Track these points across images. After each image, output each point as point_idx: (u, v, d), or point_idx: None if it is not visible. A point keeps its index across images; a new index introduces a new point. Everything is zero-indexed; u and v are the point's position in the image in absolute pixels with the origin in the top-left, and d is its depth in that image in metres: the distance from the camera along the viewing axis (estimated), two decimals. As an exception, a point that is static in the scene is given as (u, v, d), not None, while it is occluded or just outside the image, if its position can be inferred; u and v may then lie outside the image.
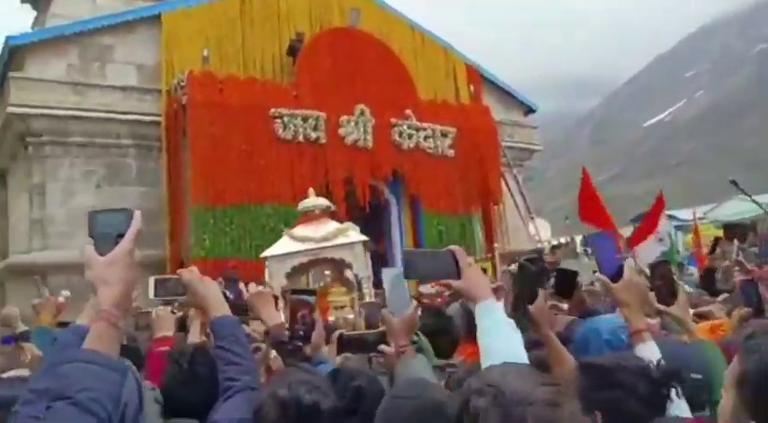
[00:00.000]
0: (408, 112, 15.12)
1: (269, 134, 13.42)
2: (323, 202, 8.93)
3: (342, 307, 7.57)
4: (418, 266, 1.75)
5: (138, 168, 13.54)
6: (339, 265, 8.49)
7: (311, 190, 9.91)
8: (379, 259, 15.81)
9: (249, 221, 13.15)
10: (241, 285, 2.44)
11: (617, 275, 1.87)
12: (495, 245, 14.83)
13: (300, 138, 13.68)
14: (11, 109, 12.43)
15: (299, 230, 8.63)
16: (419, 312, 2.69)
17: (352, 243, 8.11)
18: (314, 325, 2.53)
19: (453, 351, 2.90)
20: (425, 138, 15.27)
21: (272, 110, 13.44)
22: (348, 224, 8.73)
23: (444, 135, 15.63)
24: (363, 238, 8.29)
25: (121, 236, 1.38)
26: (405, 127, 14.99)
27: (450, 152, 15.68)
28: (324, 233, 8.40)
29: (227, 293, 8.85)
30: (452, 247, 1.86)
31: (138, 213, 1.44)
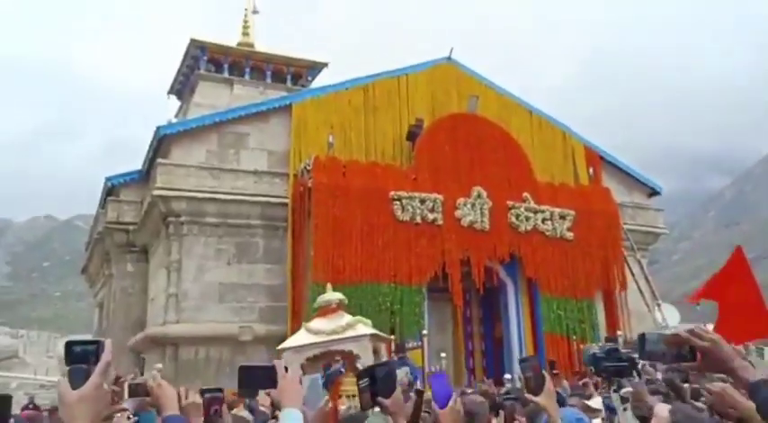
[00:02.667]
0: (526, 194, 15.10)
1: (388, 216, 13.82)
2: (338, 296, 9.60)
3: (353, 395, 8.09)
4: (251, 378, 1.98)
5: (264, 247, 14.29)
6: (351, 357, 8.94)
7: (329, 285, 10.61)
8: (496, 342, 15.56)
9: (366, 300, 13.37)
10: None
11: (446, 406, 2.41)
12: (619, 332, 14.16)
13: (418, 219, 13.97)
14: (156, 192, 13.64)
15: (315, 323, 9.13)
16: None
17: (359, 336, 8.52)
18: (223, 417, 3.03)
19: None
20: (543, 220, 15.12)
21: (392, 192, 13.89)
22: (358, 318, 9.24)
23: (563, 217, 15.40)
24: (370, 331, 8.80)
25: (95, 362, 1.46)
26: (522, 209, 14.94)
27: (569, 235, 15.38)
28: (334, 326, 8.79)
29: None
30: (276, 361, 2.16)
31: (108, 343, 1.52)
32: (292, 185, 14.27)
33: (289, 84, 22.72)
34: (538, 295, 14.96)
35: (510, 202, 14.84)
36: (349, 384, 8.25)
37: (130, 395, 3.01)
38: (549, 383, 2.40)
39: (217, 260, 13.92)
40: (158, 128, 14.47)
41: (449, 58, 16.63)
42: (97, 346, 1.49)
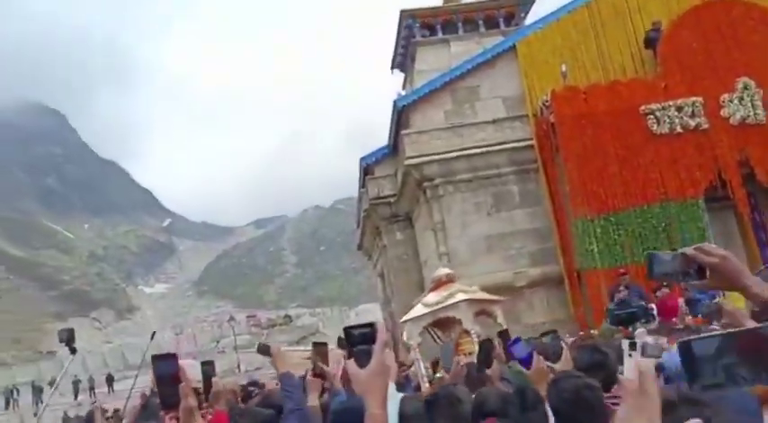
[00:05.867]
0: (804, 71, 13.04)
1: (643, 132, 12.95)
2: (446, 271, 11.13)
3: (470, 353, 8.74)
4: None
5: (520, 192, 14.30)
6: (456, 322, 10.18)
7: (442, 263, 12.50)
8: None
9: (638, 225, 12.77)
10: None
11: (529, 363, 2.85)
12: None
13: (678, 129, 12.89)
14: (408, 161, 14.36)
15: (428, 297, 10.61)
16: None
17: (456, 303, 9.91)
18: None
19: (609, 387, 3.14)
20: (834, 95, 12.93)
21: (643, 107, 12.97)
22: (460, 287, 10.39)
23: None
24: (467, 297, 9.94)
25: (372, 341, 1.64)
26: (803, 89, 12.94)
27: None
28: (438, 298, 10.26)
29: (627, 299, 8.87)
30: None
31: (381, 323, 1.70)
32: (534, 125, 14.03)
33: (502, 27, 22.20)
34: None
35: (786, 85, 12.94)
36: (465, 344, 9.30)
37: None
38: (566, 355, 3.07)
39: (477, 213, 14.28)
40: (395, 101, 15.19)
41: (675, -55, 14.87)
42: (372, 328, 1.67)
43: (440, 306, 10.27)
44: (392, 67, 26.31)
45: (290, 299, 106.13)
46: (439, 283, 10.92)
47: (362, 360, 1.63)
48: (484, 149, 14.20)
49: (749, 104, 12.91)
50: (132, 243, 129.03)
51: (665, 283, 11.19)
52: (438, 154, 14.22)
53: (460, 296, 10.29)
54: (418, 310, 11.04)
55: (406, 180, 15.23)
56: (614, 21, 14.37)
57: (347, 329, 1.71)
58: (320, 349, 3.86)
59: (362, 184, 18.09)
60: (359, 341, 1.67)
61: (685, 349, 1.11)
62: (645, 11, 14.25)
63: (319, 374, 3.79)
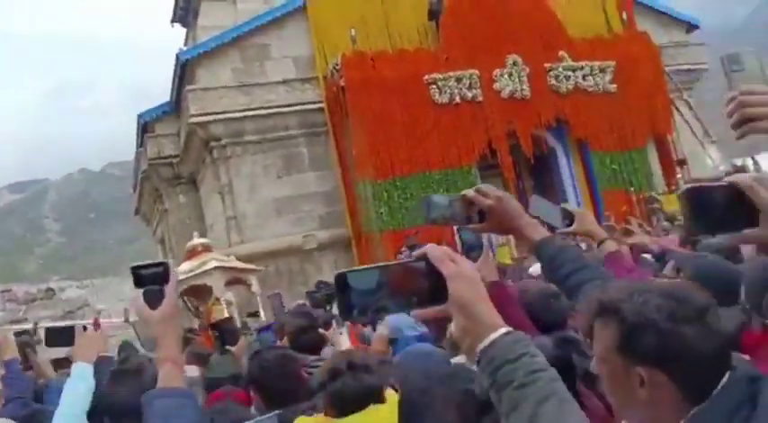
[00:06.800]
0: (562, 53, 14.54)
1: (426, 101, 13.53)
2: (202, 240, 11.54)
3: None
4: (53, 338, 2.23)
5: (309, 155, 14.25)
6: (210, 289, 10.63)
7: (196, 233, 12.36)
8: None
9: (421, 190, 13.39)
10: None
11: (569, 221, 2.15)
12: (678, 176, 13.98)
13: (457, 99, 13.67)
14: (192, 119, 13.53)
15: (182, 266, 10.84)
16: None
17: (206, 271, 10.28)
18: None
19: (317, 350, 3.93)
20: (584, 77, 14.63)
21: (426, 76, 13.53)
22: (211, 255, 10.82)
23: (603, 70, 14.86)
24: (217, 264, 10.44)
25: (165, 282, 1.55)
26: (560, 69, 14.45)
27: (612, 87, 14.89)
28: (191, 266, 10.56)
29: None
30: (76, 323, 2.50)
31: (172, 263, 1.62)
32: (324, 88, 14.00)
33: (292, -14, 21.79)
34: (589, 154, 14.75)
35: (547, 65, 14.33)
36: (217, 312, 9.66)
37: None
38: (574, 212, 2.31)
39: (266, 176, 13.97)
40: (178, 55, 14.18)
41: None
42: (164, 267, 1.58)
43: (192, 274, 10.35)
44: (173, 21, 24.49)
45: (55, 270, 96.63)
46: (194, 252, 11.09)
47: (153, 301, 1.52)
48: (274, 110, 13.87)
49: (517, 80, 14.09)
50: None
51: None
52: (225, 113, 13.59)
53: (213, 264, 10.54)
54: None
55: (191, 139, 14.38)
56: (401, -9, 14.73)
57: (135, 269, 1.56)
58: (23, 339, 3.89)
59: (141, 143, 16.73)
60: (150, 281, 1.54)
61: (341, 283, 1.12)
62: (429, -16, 14.78)
63: (29, 366, 3.82)
